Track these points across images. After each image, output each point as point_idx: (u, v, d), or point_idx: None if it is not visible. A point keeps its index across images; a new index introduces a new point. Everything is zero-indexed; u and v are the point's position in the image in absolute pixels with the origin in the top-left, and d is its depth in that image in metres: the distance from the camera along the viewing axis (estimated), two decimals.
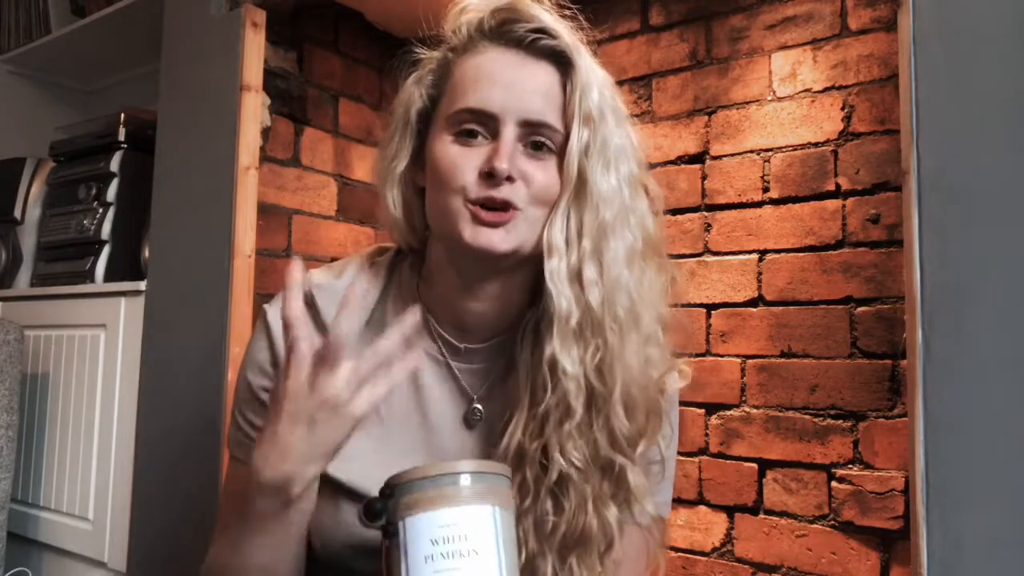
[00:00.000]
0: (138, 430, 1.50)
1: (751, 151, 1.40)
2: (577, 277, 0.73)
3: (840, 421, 1.27)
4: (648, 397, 0.76)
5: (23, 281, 1.85)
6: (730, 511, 1.38)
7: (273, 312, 0.81)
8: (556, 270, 0.73)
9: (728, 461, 1.38)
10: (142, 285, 1.54)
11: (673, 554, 1.42)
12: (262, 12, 1.46)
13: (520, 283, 0.79)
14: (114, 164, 1.69)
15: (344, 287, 0.81)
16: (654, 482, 0.80)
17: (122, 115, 1.71)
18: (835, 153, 1.31)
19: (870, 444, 1.24)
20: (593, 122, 0.74)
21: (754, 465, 1.35)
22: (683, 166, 1.47)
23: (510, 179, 0.72)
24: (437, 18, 0.80)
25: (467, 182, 0.72)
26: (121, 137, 1.70)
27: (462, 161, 0.73)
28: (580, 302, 0.73)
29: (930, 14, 0.87)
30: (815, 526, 1.28)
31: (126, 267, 1.67)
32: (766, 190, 1.37)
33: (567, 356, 0.72)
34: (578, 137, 0.73)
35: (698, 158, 1.46)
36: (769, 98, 1.38)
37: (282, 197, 1.56)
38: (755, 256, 1.38)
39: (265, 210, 1.50)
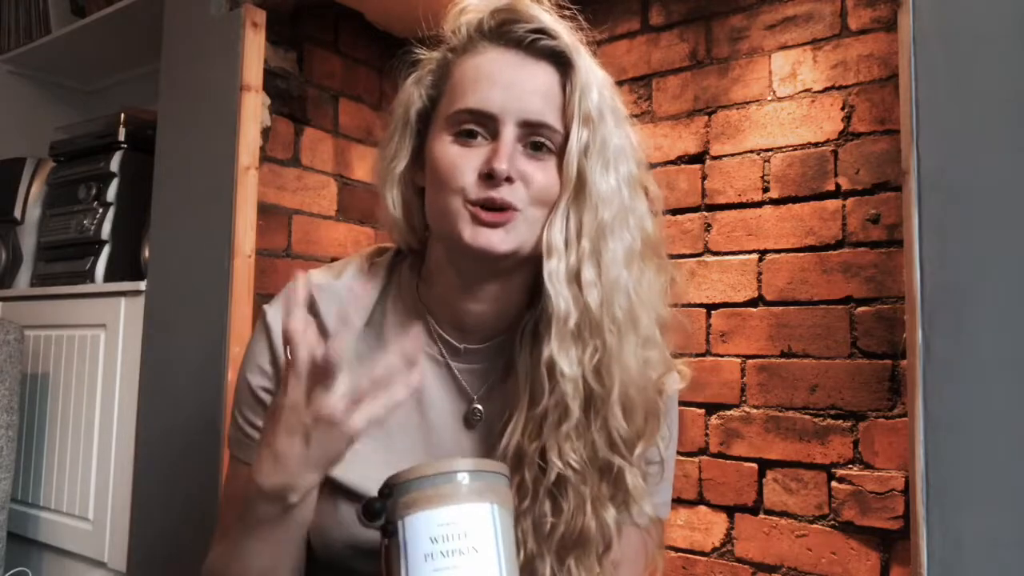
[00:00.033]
0: (138, 430, 1.50)
1: (751, 151, 1.39)
2: (576, 278, 0.73)
3: (840, 421, 1.27)
4: (646, 398, 0.76)
5: (23, 281, 1.85)
6: (730, 511, 1.38)
7: (273, 313, 0.81)
8: (555, 271, 0.73)
9: (728, 461, 1.38)
10: (142, 285, 1.54)
11: (673, 554, 1.42)
12: (262, 12, 1.46)
13: (520, 284, 0.79)
14: (114, 164, 1.69)
15: (343, 287, 0.81)
16: (652, 483, 0.80)
17: (122, 115, 1.71)
18: (835, 153, 1.31)
19: (870, 444, 1.24)
20: (592, 122, 0.74)
21: (754, 465, 1.35)
22: (683, 166, 1.47)
23: (509, 180, 0.72)
24: (437, 18, 0.80)
25: (467, 183, 0.72)
26: (121, 137, 1.70)
27: (461, 162, 0.73)
28: (578, 303, 0.72)
29: (930, 14, 0.87)
30: (815, 526, 1.28)
31: (126, 267, 1.67)
32: (766, 190, 1.37)
33: (565, 357, 0.72)
34: (577, 137, 0.73)
35: (698, 158, 1.46)
36: (769, 98, 1.38)
37: (282, 197, 1.56)
38: (755, 256, 1.38)
39: (265, 210, 1.49)
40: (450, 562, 0.62)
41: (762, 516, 1.34)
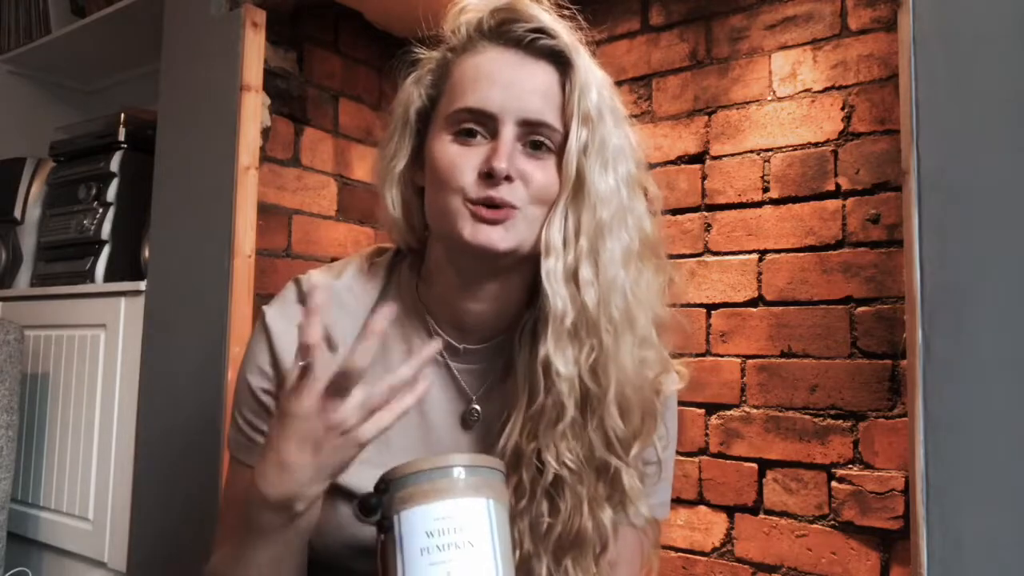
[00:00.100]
0: (138, 430, 1.50)
1: (751, 151, 1.39)
2: (573, 277, 0.73)
3: (840, 421, 1.27)
4: (643, 398, 0.76)
5: (23, 281, 1.85)
6: (730, 511, 1.37)
7: (272, 314, 0.81)
8: (552, 270, 0.73)
9: (728, 461, 1.38)
10: (142, 285, 1.54)
11: (673, 554, 1.42)
12: (262, 12, 1.46)
13: (519, 283, 0.79)
14: (114, 164, 1.69)
15: (343, 288, 0.81)
16: (650, 484, 0.80)
17: (122, 115, 1.71)
18: (835, 153, 1.31)
19: (870, 444, 1.24)
20: (592, 122, 0.74)
21: (754, 465, 1.35)
22: (683, 166, 1.47)
23: (509, 179, 0.72)
24: (436, 18, 0.80)
25: (466, 182, 0.72)
26: (121, 137, 1.70)
27: (461, 161, 0.73)
28: (575, 302, 0.73)
29: (930, 14, 0.87)
30: (815, 526, 1.28)
31: (126, 267, 1.67)
32: (766, 190, 1.37)
33: (561, 356, 0.72)
34: (577, 137, 0.73)
35: (698, 158, 1.46)
36: (769, 98, 1.38)
37: (282, 197, 1.56)
38: (755, 256, 1.38)
39: (265, 210, 1.49)
40: (445, 556, 0.62)
41: (762, 516, 1.34)
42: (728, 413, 1.39)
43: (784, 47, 1.37)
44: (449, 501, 0.64)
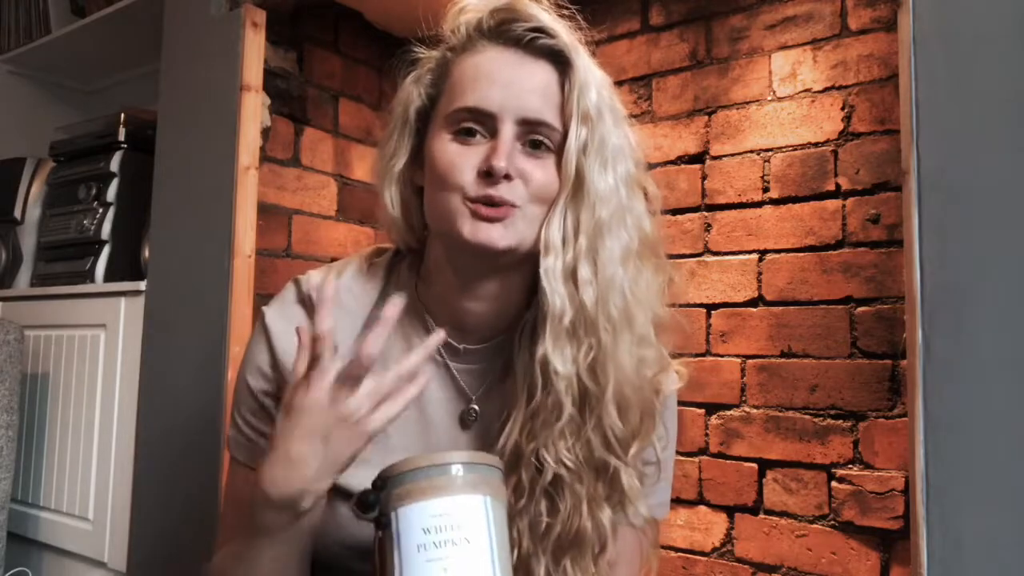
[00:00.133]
0: (138, 430, 1.50)
1: (751, 151, 1.39)
2: (572, 276, 0.73)
3: (840, 421, 1.27)
4: (642, 397, 0.76)
5: (23, 281, 1.85)
6: (730, 511, 1.37)
7: (272, 314, 0.81)
8: (551, 268, 0.73)
9: (728, 461, 1.38)
10: (142, 285, 1.54)
11: (673, 554, 1.42)
12: (262, 12, 1.46)
13: (518, 283, 0.79)
14: (114, 164, 1.69)
15: (343, 288, 0.81)
16: (649, 483, 0.80)
17: (122, 115, 1.71)
18: (835, 153, 1.31)
19: (870, 444, 1.24)
20: (591, 121, 0.74)
21: (754, 465, 1.35)
22: (683, 166, 1.47)
23: (508, 177, 0.72)
24: (436, 18, 0.80)
25: (465, 180, 0.73)
26: (121, 137, 1.70)
27: (460, 160, 0.73)
28: (574, 301, 0.73)
29: (930, 14, 0.87)
30: (815, 526, 1.28)
31: (126, 267, 1.67)
32: (766, 190, 1.37)
33: (559, 355, 0.72)
34: (576, 136, 0.73)
35: (698, 158, 1.46)
36: (769, 98, 1.38)
37: (282, 197, 1.56)
38: (755, 256, 1.38)
39: (265, 210, 1.49)
40: (442, 552, 0.62)
41: (762, 516, 1.34)
42: (728, 413, 1.39)
43: (784, 47, 1.37)
44: (446, 498, 0.64)
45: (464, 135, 0.74)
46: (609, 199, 0.74)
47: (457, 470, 0.66)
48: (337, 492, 0.75)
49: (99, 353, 1.59)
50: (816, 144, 1.33)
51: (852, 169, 1.29)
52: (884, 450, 1.22)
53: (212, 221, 1.42)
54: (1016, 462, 0.79)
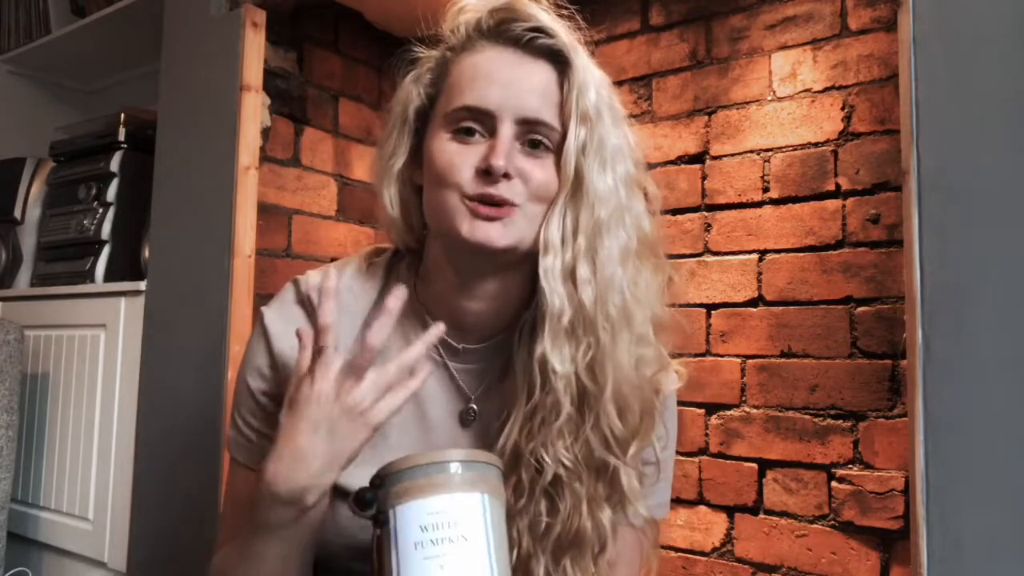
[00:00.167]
0: (138, 430, 1.50)
1: (751, 151, 1.39)
2: (571, 275, 0.73)
3: (840, 421, 1.27)
4: (641, 397, 0.76)
5: (23, 281, 1.85)
6: (730, 511, 1.37)
7: (271, 315, 0.81)
8: (550, 268, 0.73)
9: (728, 461, 1.38)
10: (142, 285, 1.54)
11: (673, 554, 1.42)
12: (262, 12, 1.46)
13: (518, 282, 0.78)
14: (114, 164, 1.70)
15: (343, 288, 0.81)
16: (649, 484, 0.80)
17: (122, 115, 1.71)
18: (835, 153, 1.31)
19: (870, 444, 1.24)
20: (590, 121, 0.74)
21: (754, 465, 1.35)
22: (683, 166, 1.47)
23: (507, 176, 0.72)
24: (436, 18, 0.80)
25: (464, 179, 0.73)
26: (121, 137, 1.70)
27: (459, 159, 0.73)
28: (573, 300, 0.73)
29: (930, 14, 0.87)
30: (815, 526, 1.28)
31: (126, 267, 1.67)
32: (766, 190, 1.37)
33: (558, 354, 0.73)
34: (575, 135, 0.73)
35: (698, 158, 1.46)
36: (769, 98, 1.38)
37: (282, 197, 1.56)
38: (755, 256, 1.38)
39: (265, 210, 1.49)
40: (439, 550, 0.62)
41: (762, 516, 1.34)
42: (728, 413, 1.39)
43: (784, 47, 1.37)
44: (444, 496, 0.64)
45: (463, 134, 0.74)
46: (608, 199, 0.74)
47: (455, 468, 0.66)
48: (337, 492, 0.75)
49: (99, 353, 1.59)
50: (816, 144, 1.33)
51: (852, 169, 1.28)
52: (884, 450, 1.22)
53: (212, 221, 1.42)
54: (1016, 462, 0.79)
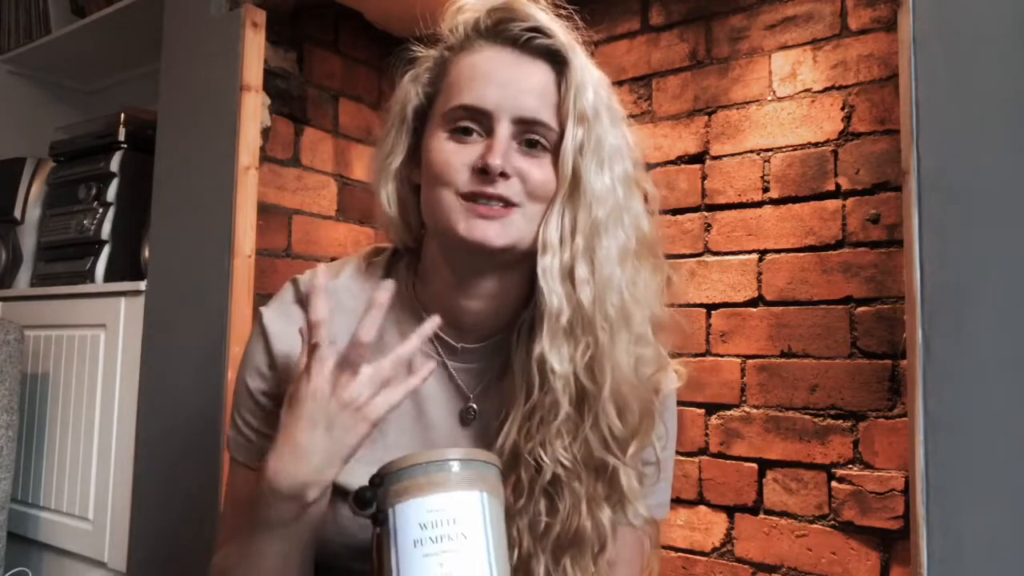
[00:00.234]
0: (138, 430, 1.50)
1: (751, 151, 1.39)
2: (569, 275, 0.73)
3: (840, 421, 1.27)
4: (641, 397, 0.76)
5: (23, 281, 1.86)
6: (730, 511, 1.37)
7: (270, 314, 0.81)
8: (549, 268, 0.73)
9: (728, 461, 1.38)
10: (142, 285, 1.54)
11: (673, 554, 1.42)
12: (262, 12, 1.46)
13: (516, 281, 0.79)
14: (114, 164, 1.70)
15: (342, 287, 0.81)
16: (649, 484, 0.80)
17: (122, 115, 1.71)
18: (835, 153, 1.31)
19: (870, 444, 1.24)
20: (587, 121, 0.74)
21: (754, 465, 1.35)
22: (683, 166, 1.47)
23: (504, 175, 0.72)
24: (435, 17, 0.80)
25: (460, 178, 0.73)
26: (121, 137, 1.70)
27: (456, 158, 0.73)
28: (571, 300, 0.73)
29: (930, 14, 0.87)
30: (815, 526, 1.28)
31: (126, 267, 1.67)
32: (766, 190, 1.37)
33: (556, 354, 0.73)
34: (572, 135, 0.73)
35: (698, 158, 1.46)
36: (769, 98, 1.38)
37: (282, 197, 1.56)
38: (755, 256, 1.38)
39: (265, 210, 1.49)
40: (439, 548, 0.63)
41: (762, 516, 1.34)
42: (728, 413, 1.39)
43: (784, 47, 1.37)
44: (443, 494, 0.65)
45: (460, 133, 0.74)
46: (606, 199, 0.74)
47: (454, 466, 0.66)
48: (336, 491, 0.75)
49: (99, 353, 1.59)
50: (816, 144, 1.33)
51: (852, 169, 1.28)
52: (884, 450, 1.22)
53: (212, 221, 1.42)
54: (1016, 462, 0.79)
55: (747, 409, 1.37)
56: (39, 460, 1.69)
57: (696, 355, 1.43)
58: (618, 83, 1.52)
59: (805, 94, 1.34)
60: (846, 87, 1.30)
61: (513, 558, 0.73)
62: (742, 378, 1.38)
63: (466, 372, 0.81)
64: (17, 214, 1.87)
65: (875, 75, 1.27)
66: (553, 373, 0.72)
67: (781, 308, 1.34)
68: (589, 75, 0.76)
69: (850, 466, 1.25)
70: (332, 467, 0.66)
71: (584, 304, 0.72)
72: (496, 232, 0.72)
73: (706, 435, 1.41)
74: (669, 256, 0.83)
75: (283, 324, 0.79)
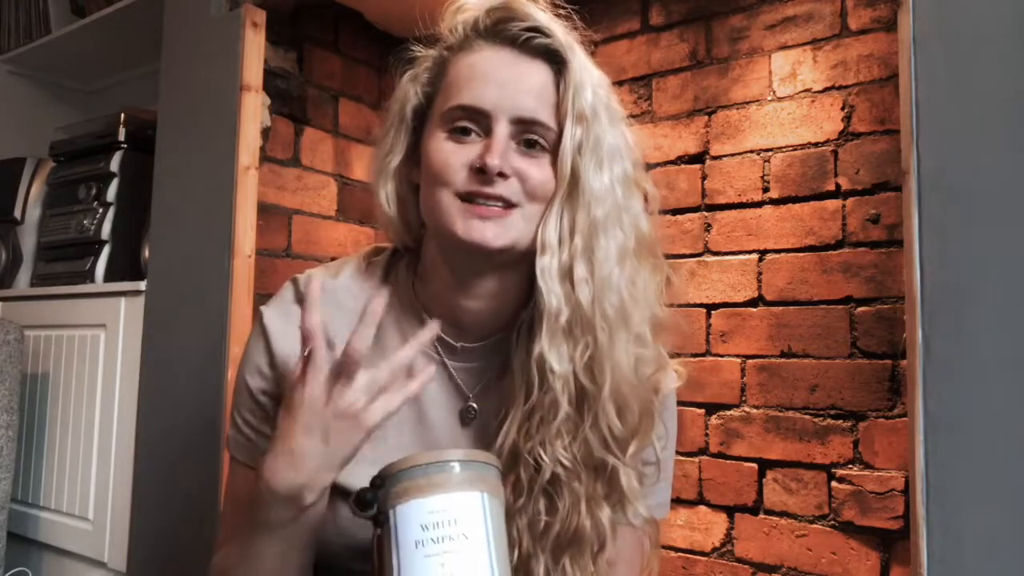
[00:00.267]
0: (138, 430, 1.50)
1: (751, 151, 1.39)
2: (568, 275, 0.73)
3: (840, 421, 1.27)
4: (640, 396, 0.76)
5: (23, 281, 1.86)
6: (730, 511, 1.37)
7: (270, 314, 0.81)
8: (547, 267, 0.73)
9: (728, 461, 1.38)
10: (142, 285, 1.54)
11: (673, 554, 1.42)
12: (262, 12, 1.46)
13: (516, 281, 0.79)
14: (114, 164, 1.70)
15: (341, 287, 0.81)
16: (648, 484, 0.80)
17: (122, 115, 1.71)
18: (835, 153, 1.31)
19: (870, 444, 1.24)
20: (586, 121, 0.74)
21: (754, 465, 1.35)
22: (683, 166, 1.47)
23: (503, 175, 0.72)
24: (434, 17, 0.81)
25: (459, 178, 0.73)
26: (121, 137, 1.70)
27: (454, 158, 0.74)
28: (570, 300, 0.73)
29: (930, 14, 0.87)
30: (815, 526, 1.28)
31: (126, 267, 1.67)
32: (766, 190, 1.37)
33: (555, 354, 0.73)
34: (571, 135, 0.73)
35: (698, 158, 1.46)
36: (769, 98, 1.38)
37: (282, 197, 1.56)
38: (755, 256, 1.38)
39: (265, 210, 1.49)
40: (440, 548, 0.63)
41: (762, 516, 1.34)
42: (728, 413, 1.39)
43: (784, 47, 1.37)
44: (443, 495, 0.65)
45: (459, 133, 0.74)
46: (604, 199, 0.74)
47: (454, 467, 0.66)
48: (337, 492, 0.75)
49: (99, 353, 1.59)
50: (816, 144, 1.33)
51: (852, 169, 1.28)
52: (884, 450, 1.22)
53: (212, 221, 1.42)
54: (1016, 462, 0.79)
55: (747, 409, 1.37)
56: (39, 460, 1.69)
57: (696, 355, 1.43)
58: (618, 83, 1.52)
59: (805, 94, 1.34)
60: (846, 87, 1.30)
61: (514, 558, 0.73)
62: (742, 378, 1.38)
63: (466, 371, 0.81)
64: (17, 214, 1.87)
65: (875, 75, 1.27)
66: (552, 373, 0.72)
67: (781, 308, 1.34)
68: (588, 75, 0.75)
69: (850, 466, 1.25)
70: (329, 472, 0.66)
71: (583, 304, 0.72)
72: (494, 233, 0.72)
73: (706, 435, 1.41)
74: (669, 256, 0.83)
75: (283, 323, 0.79)
